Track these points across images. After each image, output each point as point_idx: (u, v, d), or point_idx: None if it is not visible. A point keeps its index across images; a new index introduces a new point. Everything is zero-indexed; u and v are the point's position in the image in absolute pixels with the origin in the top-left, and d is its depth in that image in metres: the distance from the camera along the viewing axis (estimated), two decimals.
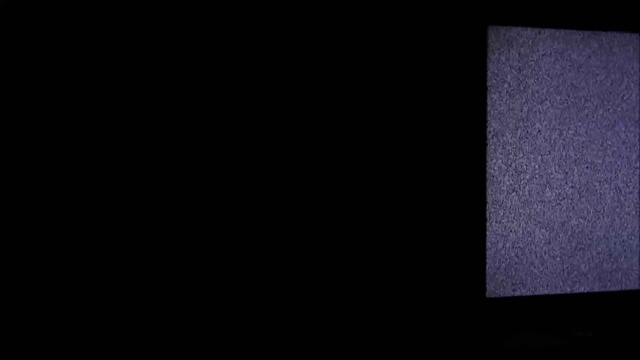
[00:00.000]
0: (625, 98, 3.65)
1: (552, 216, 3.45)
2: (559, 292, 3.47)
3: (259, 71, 3.09)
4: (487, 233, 3.34)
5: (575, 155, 3.50)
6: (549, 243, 3.44)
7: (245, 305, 3.16)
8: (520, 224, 3.40)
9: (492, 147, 3.34)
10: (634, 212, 3.67)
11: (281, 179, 3.13)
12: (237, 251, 3.14)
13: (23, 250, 2.92)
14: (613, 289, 3.57)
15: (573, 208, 3.50)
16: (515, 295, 3.40)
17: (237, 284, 3.16)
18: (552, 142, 3.43)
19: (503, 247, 3.37)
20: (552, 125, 3.45)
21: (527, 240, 3.41)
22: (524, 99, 3.40)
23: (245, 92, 3.11)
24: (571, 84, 3.46)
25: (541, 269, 3.43)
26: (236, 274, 3.15)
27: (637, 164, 3.65)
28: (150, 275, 3.04)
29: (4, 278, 2.91)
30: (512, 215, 3.38)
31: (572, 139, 3.48)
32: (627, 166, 3.63)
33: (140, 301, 3.03)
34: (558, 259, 3.46)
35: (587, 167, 3.55)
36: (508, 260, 3.38)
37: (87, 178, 2.96)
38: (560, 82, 3.44)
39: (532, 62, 3.41)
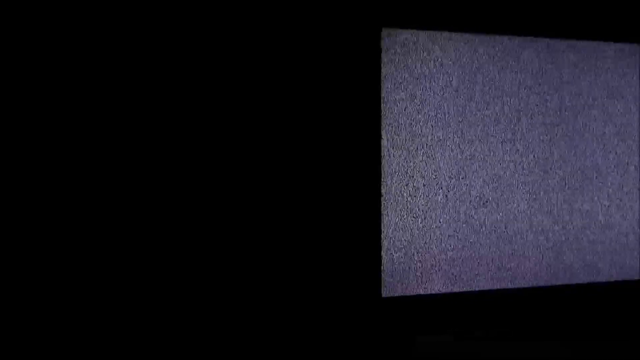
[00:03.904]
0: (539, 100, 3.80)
1: (457, 215, 3.54)
2: (458, 290, 3.54)
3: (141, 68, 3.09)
4: (385, 230, 3.38)
5: (478, 158, 3.58)
6: (451, 241, 3.53)
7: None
8: (420, 223, 3.47)
9: (389, 150, 3.40)
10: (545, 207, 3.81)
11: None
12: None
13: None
14: (512, 286, 3.68)
15: (481, 206, 3.60)
16: (414, 294, 3.43)
17: None
18: (453, 145, 3.52)
19: (402, 245, 3.43)
20: (450, 128, 3.52)
21: (427, 238, 3.49)
22: (422, 103, 3.47)
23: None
24: (474, 87, 3.56)
25: (442, 268, 3.52)
26: None
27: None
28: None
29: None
30: (412, 212, 3.45)
31: (475, 141, 3.57)
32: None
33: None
34: (461, 257, 3.55)
35: (496, 169, 3.63)
36: (408, 259, 3.44)
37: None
38: (461, 86, 3.53)
39: (430, 67, 3.48)
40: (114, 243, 3.06)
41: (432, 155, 3.51)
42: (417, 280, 3.49)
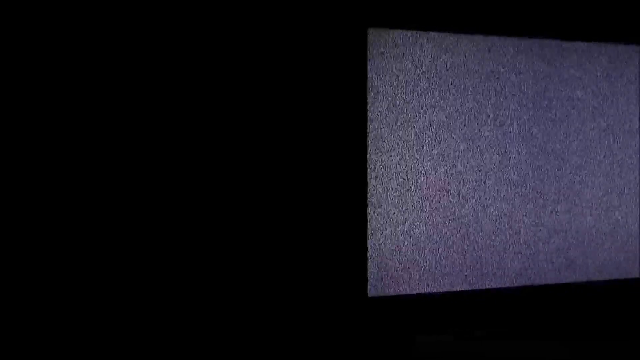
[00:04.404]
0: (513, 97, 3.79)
1: (439, 216, 3.53)
2: (444, 290, 3.53)
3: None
4: (371, 230, 3.38)
5: (467, 158, 3.57)
6: (436, 241, 3.52)
7: None
8: (406, 222, 3.46)
9: (375, 149, 3.39)
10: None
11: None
12: None
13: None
14: (505, 285, 3.66)
15: (471, 206, 3.58)
16: (399, 293, 3.42)
17: None
18: (439, 143, 3.51)
19: (388, 244, 3.43)
20: (437, 128, 3.51)
21: (413, 238, 3.47)
22: (408, 103, 3.45)
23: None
24: (463, 87, 3.54)
25: (427, 268, 3.50)
26: None
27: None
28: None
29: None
30: (397, 212, 3.44)
31: (464, 142, 3.56)
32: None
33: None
34: (446, 257, 3.54)
35: (478, 168, 3.62)
36: (393, 258, 3.43)
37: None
38: (448, 86, 3.52)
39: (417, 67, 3.47)
40: (97, 243, 3.10)
41: (418, 155, 3.50)
42: (403, 280, 3.49)
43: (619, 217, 3.88)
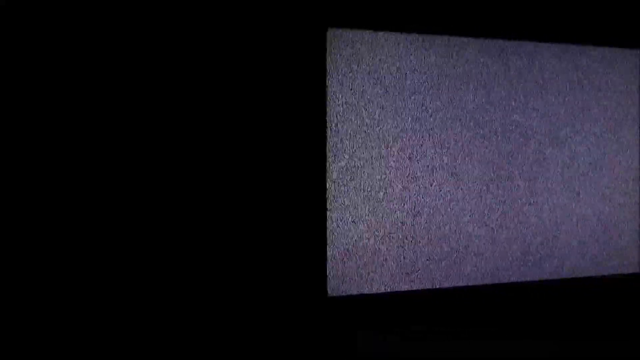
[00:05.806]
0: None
1: (397, 214, 3.47)
2: (402, 289, 3.49)
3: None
4: (330, 229, 3.36)
5: (423, 156, 3.52)
6: (395, 240, 3.46)
7: None
8: (367, 222, 3.42)
9: (334, 149, 3.37)
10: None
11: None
12: None
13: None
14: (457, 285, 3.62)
15: (421, 204, 3.53)
16: (359, 293, 3.41)
17: None
18: (400, 144, 3.46)
19: (348, 244, 3.40)
20: (398, 128, 3.45)
21: (375, 238, 3.43)
22: (368, 104, 3.42)
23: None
24: (424, 87, 3.48)
25: (386, 267, 3.46)
26: None
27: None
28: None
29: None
30: (357, 212, 3.41)
31: (418, 139, 3.50)
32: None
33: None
34: (404, 256, 3.48)
35: (433, 166, 3.59)
36: (353, 258, 3.41)
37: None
38: (406, 86, 3.46)
39: (377, 67, 3.43)
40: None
41: (378, 155, 3.47)
42: (363, 280, 3.46)
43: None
